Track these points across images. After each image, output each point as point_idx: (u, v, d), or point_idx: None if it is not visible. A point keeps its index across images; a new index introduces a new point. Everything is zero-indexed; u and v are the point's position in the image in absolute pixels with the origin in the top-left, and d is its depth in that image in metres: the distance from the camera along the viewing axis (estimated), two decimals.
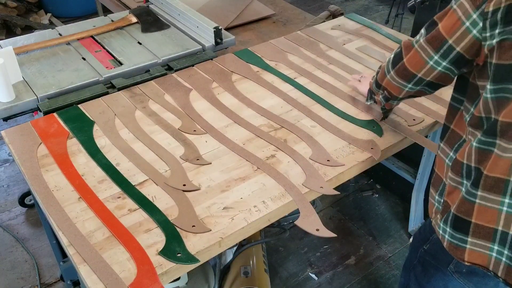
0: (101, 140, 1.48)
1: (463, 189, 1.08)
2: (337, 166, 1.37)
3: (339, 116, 1.58)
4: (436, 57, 1.07)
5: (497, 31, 0.94)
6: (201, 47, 1.99)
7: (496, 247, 1.05)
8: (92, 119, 1.57)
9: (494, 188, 1.01)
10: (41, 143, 1.46)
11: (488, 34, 0.96)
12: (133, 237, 1.15)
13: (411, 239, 2.27)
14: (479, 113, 1.03)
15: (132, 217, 1.21)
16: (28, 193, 2.42)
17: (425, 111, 1.59)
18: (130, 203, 1.25)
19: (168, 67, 1.88)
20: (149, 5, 2.33)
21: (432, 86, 1.17)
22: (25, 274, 2.16)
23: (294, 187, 1.29)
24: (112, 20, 2.21)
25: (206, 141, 1.48)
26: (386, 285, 2.11)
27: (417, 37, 1.12)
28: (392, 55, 1.21)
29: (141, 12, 2.21)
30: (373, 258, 2.23)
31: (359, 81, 1.64)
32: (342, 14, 2.38)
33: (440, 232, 1.14)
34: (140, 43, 2.02)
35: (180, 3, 2.22)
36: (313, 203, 1.29)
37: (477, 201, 1.04)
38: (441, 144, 1.18)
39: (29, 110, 1.69)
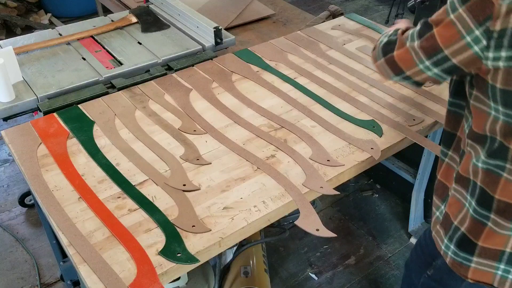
0: (101, 140, 1.48)
1: (469, 207, 1.05)
2: (337, 166, 1.37)
3: (339, 116, 1.58)
4: (427, 63, 1.03)
5: (503, 54, 0.88)
6: (201, 47, 1.99)
7: (502, 266, 1.04)
8: (92, 119, 1.57)
9: (505, 213, 0.99)
10: (41, 143, 1.46)
11: (492, 55, 0.90)
12: (133, 237, 1.15)
13: (411, 239, 2.27)
14: (483, 131, 0.98)
15: (132, 217, 1.21)
16: (28, 193, 2.42)
17: (425, 111, 1.59)
18: (130, 203, 1.25)
19: (168, 67, 1.88)
20: (149, 5, 2.33)
21: (419, 84, 1.14)
22: (25, 274, 2.16)
23: (294, 187, 1.29)
24: (112, 20, 2.21)
25: (206, 141, 1.48)
26: (386, 285, 2.11)
27: (411, 34, 1.06)
28: (386, 40, 1.16)
29: (141, 12, 2.21)
30: (373, 258, 2.23)
31: None
32: (342, 14, 2.38)
33: (443, 247, 1.12)
34: (140, 43, 2.02)
35: (180, 3, 2.22)
36: (313, 203, 1.29)
37: (489, 224, 1.02)
38: (450, 152, 1.14)
39: (29, 110, 1.69)
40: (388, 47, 1.14)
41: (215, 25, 2.00)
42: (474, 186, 1.03)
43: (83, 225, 1.19)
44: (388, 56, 1.13)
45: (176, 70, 1.85)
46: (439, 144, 1.26)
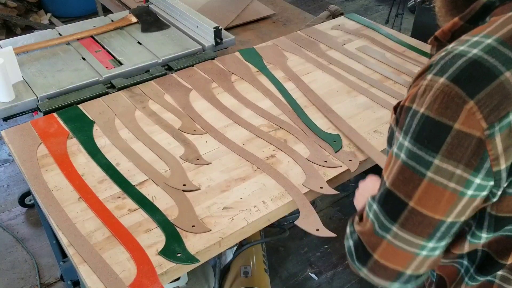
0: (101, 140, 1.48)
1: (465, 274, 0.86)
2: (334, 167, 1.37)
3: (308, 128, 1.52)
4: (432, 243, 0.73)
5: (505, 184, 0.69)
6: (201, 47, 2.00)
7: None
8: (92, 119, 1.57)
9: None
10: (41, 143, 1.46)
11: (499, 191, 0.69)
12: (133, 237, 1.15)
13: None
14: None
15: (132, 217, 1.21)
16: (28, 193, 2.42)
17: None
18: (130, 203, 1.25)
19: (168, 67, 1.88)
20: (149, 5, 2.33)
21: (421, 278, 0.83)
22: (25, 274, 2.16)
23: (294, 187, 1.29)
24: (112, 20, 2.21)
25: (206, 141, 1.48)
26: None
27: (377, 221, 0.77)
28: (352, 244, 0.85)
29: (141, 12, 2.21)
30: None
31: None
32: (342, 14, 2.38)
33: None
34: (140, 43, 2.02)
35: (180, 3, 2.22)
36: (313, 203, 1.29)
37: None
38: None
39: (29, 110, 1.69)
40: (359, 253, 0.82)
41: (215, 25, 2.00)
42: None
43: (83, 225, 1.19)
44: (369, 263, 0.79)
45: (176, 70, 1.84)
46: None
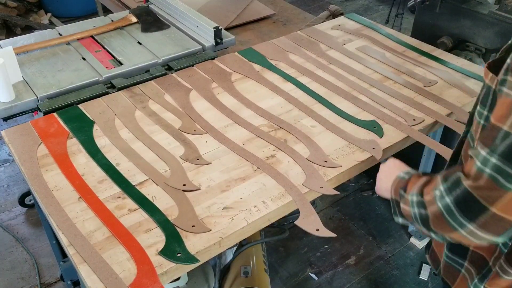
0: (101, 140, 1.48)
1: None
2: (334, 167, 1.37)
3: (339, 116, 1.58)
4: None
5: None
6: (201, 47, 2.00)
7: None
8: (92, 119, 1.57)
9: None
10: (41, 143, 1.46)
11: None
12: (133, 237, 1.15)
13: (411, 239, 2.27)
14: None
15: (132, 217, 1.21)
16: (28, 193, 2.42)
17: (425, 111, 1.59)
18: (130, 203, 1.25)
19: (168, 67, 1.88)
20: (149, 5, 2.33)
21: None
22: (25, 274, 2.16)
23: (294, 187, 1.29)
24: (112, 20, 2.21)
25: (206, 141, 1.48)
26: (386, 285, 2.11)
27: (491, 177, 0.75)
28: (451, 201, 0.81)
29: (141, 12, 2.21)
30: (373, 258, 2.23)
31: None
32: (342, 14, 2.38)
33: None
34: (140, 43, 2.02)
35: (180, 3, 2.22)
36: (313, 203, 1.29)
37: None
38: (466, 264, 1.03)
39: (29, 110, 1.69)
40: (467, 208, 0.79)
41: (215, 25, 2.00)
42: None
43: (83, 225, 1.19)
44: (482, 218, 0.78)
45: (176, 70, 1.84)
46: (446, 248, 1.09)
